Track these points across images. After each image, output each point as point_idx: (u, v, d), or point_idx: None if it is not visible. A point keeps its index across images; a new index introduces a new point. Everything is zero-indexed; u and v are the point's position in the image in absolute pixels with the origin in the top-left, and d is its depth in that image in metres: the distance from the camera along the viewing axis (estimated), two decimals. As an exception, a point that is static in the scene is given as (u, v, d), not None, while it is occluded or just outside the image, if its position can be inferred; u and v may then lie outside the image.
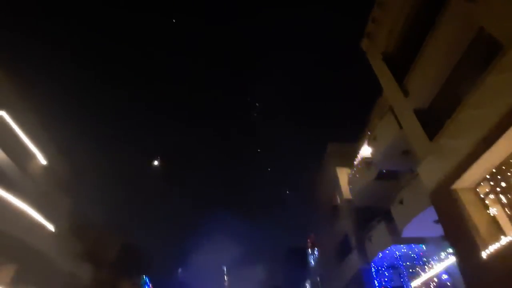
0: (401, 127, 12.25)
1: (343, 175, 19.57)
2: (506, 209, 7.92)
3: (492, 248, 7.61)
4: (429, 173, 10.05)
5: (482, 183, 8.61)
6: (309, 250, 27.86)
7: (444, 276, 9.90)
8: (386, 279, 14.90)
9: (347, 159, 19.13)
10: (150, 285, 35.50)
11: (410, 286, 12.07)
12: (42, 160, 14.94)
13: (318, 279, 25.01)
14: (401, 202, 12.40)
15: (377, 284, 14.82)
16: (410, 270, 13.20)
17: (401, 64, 11.61)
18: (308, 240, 28.06)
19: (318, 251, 25.32)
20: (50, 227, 14.34)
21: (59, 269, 15.31)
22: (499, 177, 8.10)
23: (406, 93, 11.40)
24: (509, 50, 7.05)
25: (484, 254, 7.79)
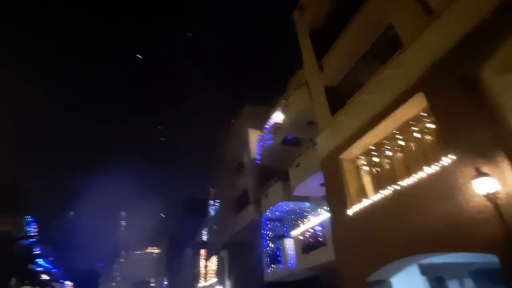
0: (312, 100, 13.51)
1: (254, 136, 20.77)
2: (372, 178, 9.90)
3: (356, 207, 9.54)
4: (324, 143, 11.60)
5: (360, 157, 10.46)
6: (211, 201, 29.38)
7: (318, 228, 12.00)
8: (272, 229, 17.17)
9: (260, 121, 20.22)
10: (35, 226, 32.77)
11: (290, 234, 14.25)
12: None
13: (215, 227, 26.91)
14: (297, 166, 14.06)
15: (264, 233, 16.99)
16: (293, 222, 15.47)
17: (323, 42, 12.56)
18: (212, 192, 29.46)
19: (219, 202, 26.91)
20: None
21: None
22: (373, 153, 9.96)
23: (321, 70, 12.53)
24: (406, 49, 8.38)
25: (349, 212, 9.71)
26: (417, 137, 8.55)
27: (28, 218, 31.43)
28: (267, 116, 19.26)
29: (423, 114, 8.32)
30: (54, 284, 32.53)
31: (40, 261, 31.65)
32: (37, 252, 31.56)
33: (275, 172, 17.58)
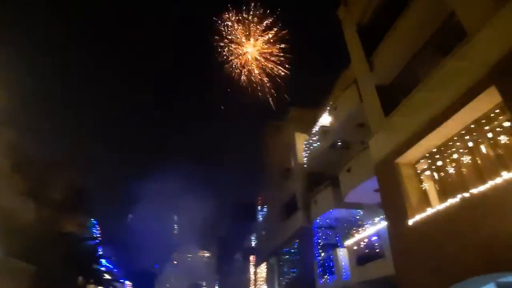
0: (361, 100, 12.72)
1: (300, 140, 20.26)
2: (436, 185, 8.89)
3: (418, 217, 8.61)
4: (378, 146, 10.77)
5: (421, 161, 9.47)
6: (259, 206, 29.28)
7: (374, 238, 11.13)
8: (323, 237, 16.41)
9: (306, 125, 19.68)
10: (98, 228, 35.44)
11: (343, 244, 13.46)
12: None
13: (263, 233, 26.71)
14: (348, 171, 13.29)
15: (314, 241, 16.31)
16: (346, 231, 14.62)
17: (372, 38, 11.72)
18: (259, 198, 29.38)
19: (267, 208, 26.70)
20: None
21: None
22: (437, 156, 8.94)
23: (372, 68, 11.72)
24: (471, 39, 7.38)
25: (410, 222, 8.81)
26: (490, 138, 7.48)
27: (93, 220, 34.14)
28: (314, 119, 18.67)
29: (496, 110, 7.26)
30: (116, 283, 34.75)
31: (103, 261, 34.06)
32: (101, 253, 34.01)
33: (324, 177, 16.89)
